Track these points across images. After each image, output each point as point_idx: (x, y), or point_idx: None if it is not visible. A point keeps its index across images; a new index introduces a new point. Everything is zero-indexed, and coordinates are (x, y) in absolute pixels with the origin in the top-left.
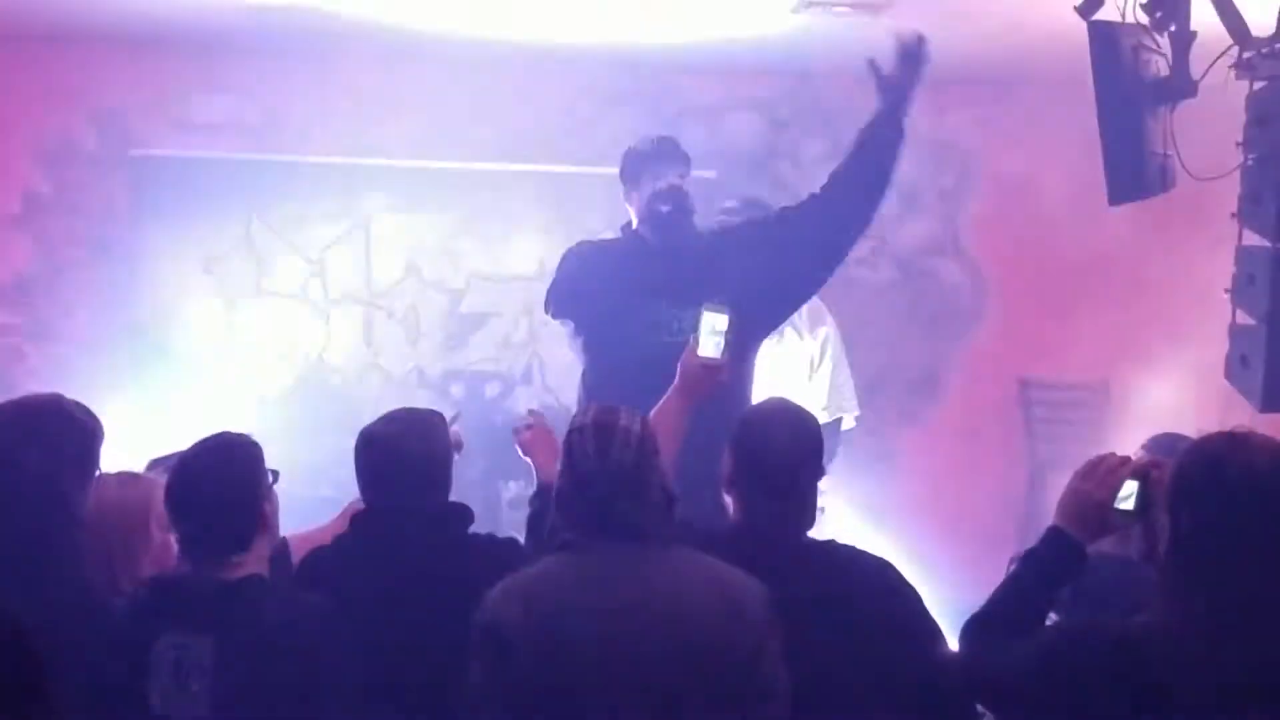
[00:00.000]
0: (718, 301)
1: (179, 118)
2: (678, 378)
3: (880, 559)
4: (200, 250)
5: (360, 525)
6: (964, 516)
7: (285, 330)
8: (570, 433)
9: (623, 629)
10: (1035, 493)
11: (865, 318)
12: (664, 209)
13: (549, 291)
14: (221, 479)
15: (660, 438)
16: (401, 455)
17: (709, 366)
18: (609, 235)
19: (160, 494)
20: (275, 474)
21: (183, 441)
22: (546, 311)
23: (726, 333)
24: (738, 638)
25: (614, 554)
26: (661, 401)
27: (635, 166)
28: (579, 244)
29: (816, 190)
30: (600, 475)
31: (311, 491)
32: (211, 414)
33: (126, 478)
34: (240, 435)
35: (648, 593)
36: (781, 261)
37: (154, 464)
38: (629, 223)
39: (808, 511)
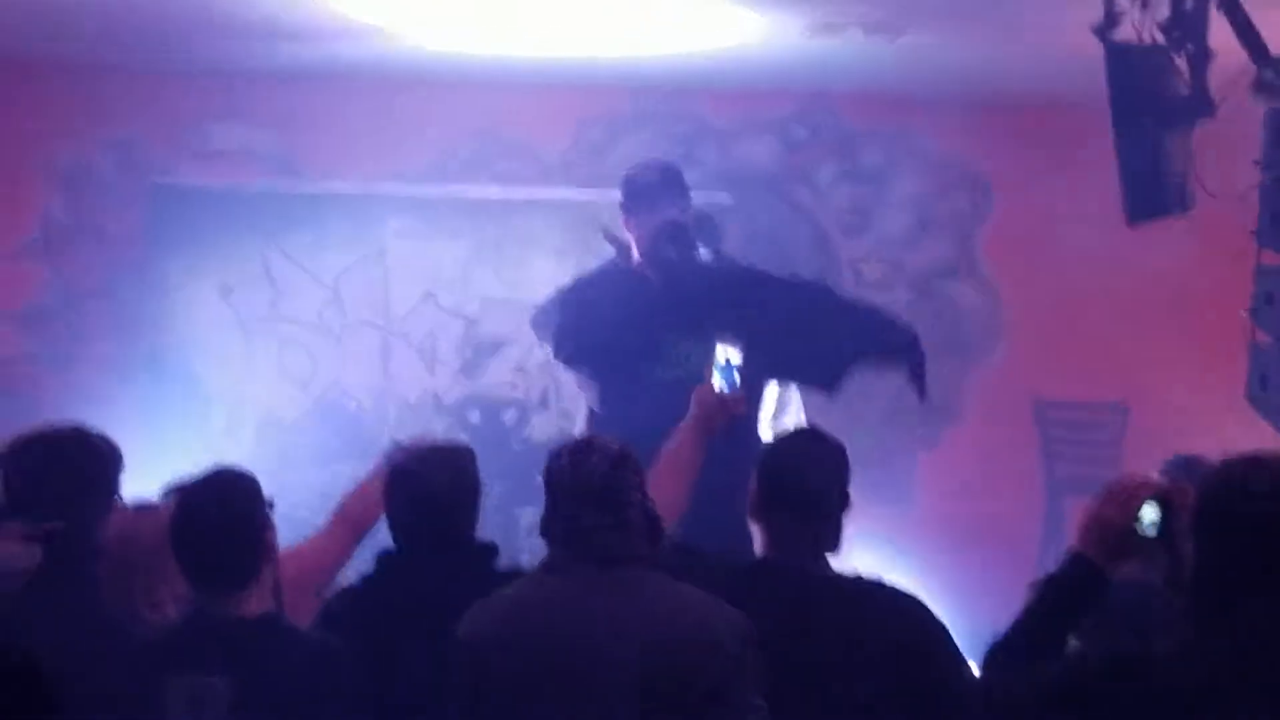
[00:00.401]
0: (731, 335)
1: (196, 146)
2: (692, 410)
3: (906, 592)
4: (217, 278)
5: (388, 562)
6: (981, 538)
7: (302, 357)
8: (550, 456)
9: (590, 652)
10: (1053, 513)
11: None
12: (670, 253)
13: (556, 339)
14: (223, 515)
15: (675, 471)
16: (430, 493)
17: (724, 399)
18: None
19: None
20: (271, 502)
21: (200, 467)
22: (557, 358)
23: (740, 366)
24: (707, 666)
25: (590, 576)
26: (676, 435)
27: (635, 197)
28: (577, 285)
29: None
30: (574, 494)
31: (326, 517)
32: (229, 440)
33: (144, 506)
34: (235, 467)
35: (618, 617)
36: (788, 331)
37: (169, 489)
38: (627, 248)
39: (835, 539)
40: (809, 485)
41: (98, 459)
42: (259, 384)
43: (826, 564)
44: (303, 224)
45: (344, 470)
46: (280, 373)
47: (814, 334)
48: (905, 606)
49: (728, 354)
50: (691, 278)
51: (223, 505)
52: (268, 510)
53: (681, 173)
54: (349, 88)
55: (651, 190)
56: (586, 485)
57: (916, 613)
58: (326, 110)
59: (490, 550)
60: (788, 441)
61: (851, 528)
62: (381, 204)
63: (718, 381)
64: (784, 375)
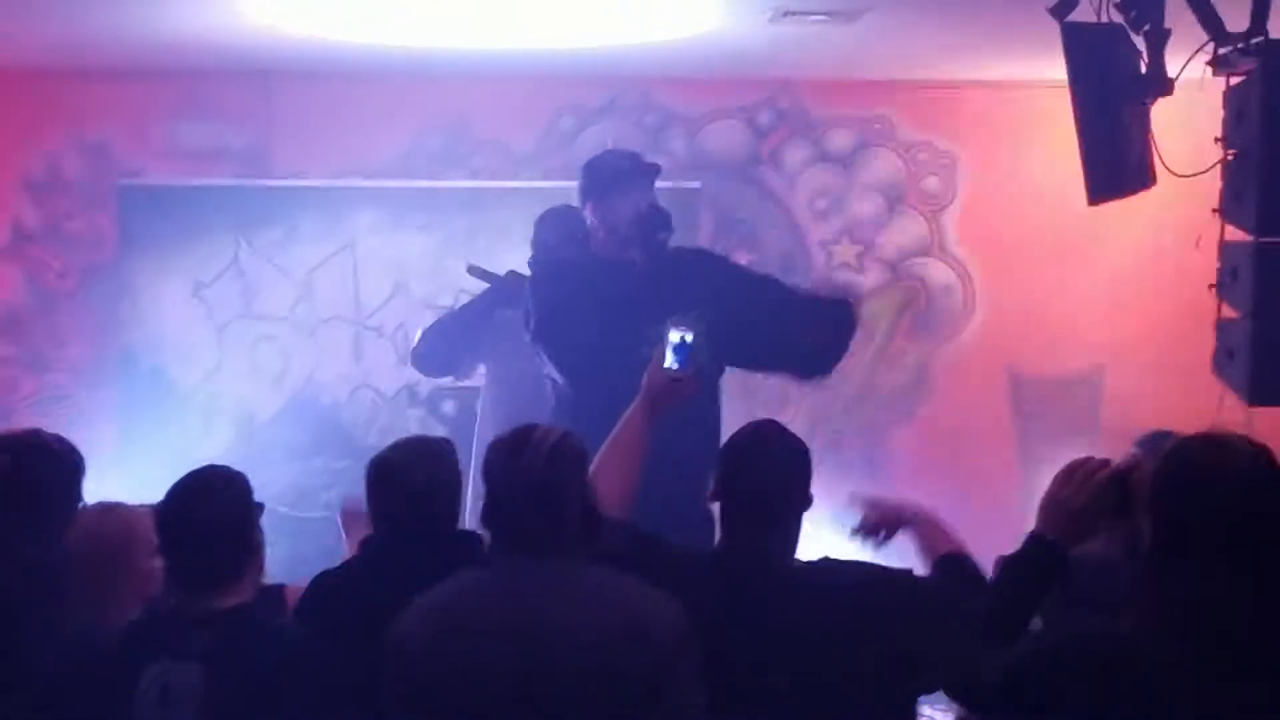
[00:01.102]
0: (685, 316)
1: (164, 145)
2: (641, 391)
3: (872, 570)
4: (189, 276)
5: (370, 552)
6: (957, 514)
7: (275, 353)
8: (488, 448)
9: (518, 648)
10: (1029, 488)
11: None
12: (660, 235)
13: (533, 320)
14: (214, 511)
15: (623, 451)
16: (411, 485)
17: (674, 380)
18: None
19: (144, 523)
20: (261, 506)
21: (177, 467)
22: (535, 342)
23: (693, 347)
24: (638, 660)
25: (522, 571)
26: (625, 414)
27: (607, 182)
28: (548, 265)
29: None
30: (509, 488)
31: (302, 512)
32: (204, 438)
33: (106, 508)
34: (226, 467)
35: (548, 612)
36: (745, 324)
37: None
38: (585, 232)
39: (791, 536)
40: (767, 488)
41: (58, 464)
42: (233, 381)
43: (783, 556)
44: (273, 220)
45: (319, 465)
46: (253, 369)
47: (770, 323)
48: (866, 587)
49: (681, 335)
50: (673, 259)
51: (213, 502)
52: (257, 511)
53: (642, 156)
54: (316, 83)
55: (622, 177)
56: (521, 482)
57: (883, 591)
58: (294, 106)
59: (474, 540)
60: (749, 440)
61: (828, 504)
62: (351, 198)
63: (670, 361)
64: (748, 362)
